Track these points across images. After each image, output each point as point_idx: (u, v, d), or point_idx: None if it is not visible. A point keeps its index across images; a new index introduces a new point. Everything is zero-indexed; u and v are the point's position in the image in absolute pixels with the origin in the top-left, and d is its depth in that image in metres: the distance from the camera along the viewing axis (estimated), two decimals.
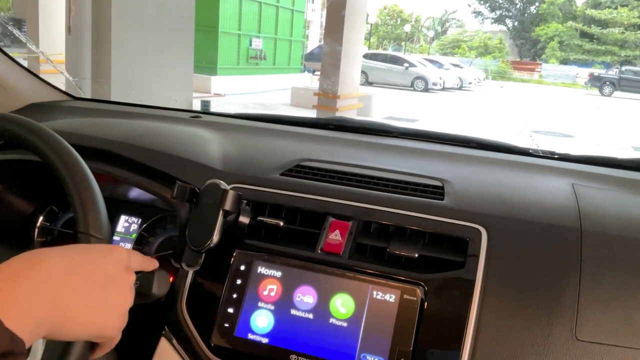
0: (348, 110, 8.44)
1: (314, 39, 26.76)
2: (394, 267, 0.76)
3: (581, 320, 0.68)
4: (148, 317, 0.77)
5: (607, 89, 23.52)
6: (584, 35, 38.22)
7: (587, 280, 0.71)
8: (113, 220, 1.02)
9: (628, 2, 36.90)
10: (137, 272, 0.68)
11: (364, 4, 8.28)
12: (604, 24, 37.24)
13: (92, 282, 0.54)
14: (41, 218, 1.08)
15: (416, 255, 0.77)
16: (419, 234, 0.79)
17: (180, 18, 4.76)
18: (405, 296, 0.72)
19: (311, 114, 6.52)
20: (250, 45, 14.25)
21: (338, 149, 1.15)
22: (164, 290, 0.72)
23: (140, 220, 1.03)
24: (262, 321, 0.75)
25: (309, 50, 21.61)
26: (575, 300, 0.69)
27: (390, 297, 0.73)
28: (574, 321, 0.68)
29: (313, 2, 25.50)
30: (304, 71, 17.44)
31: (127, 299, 0.59)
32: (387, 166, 0.98)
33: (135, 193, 1.02)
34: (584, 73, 29.39)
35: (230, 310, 0.77)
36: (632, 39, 35.77)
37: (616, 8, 36.99)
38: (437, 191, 0.87)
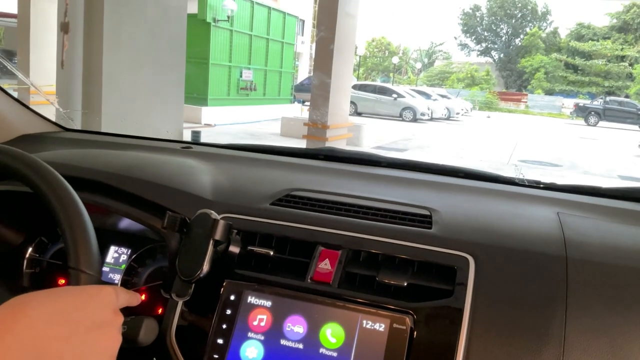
0: (338, 140, 8.50)
1: (304, 70, 27.09)
2: (383, 296, 0.76)
3: (568, 348, 0.69)
4: (137, 348, 0.76)
5: (592, 119, 23.94)
6: (568, 66, 39.08)
7: (573, 308, 0.72)
8: (103, 251, 1.02)
9: (610, 34, 37.88)
10: (125, 315, 0.67)
11: (353, 37, 8.42)
12: (587, 55, 38.15)
13: (78, 329, 0.54)
14: (30, 249, 1.07)
15: (405, 284, 0.77)
16: (407, 263, 0.80)
17: (171, 50, 4.82)
18: (394, 325, 0.73)
19: (301, 143, 6.56)
20: (241, 76, 14.40)
21: (327, 178, 1.16)
22: (151, 338, 0.72)
23: (129, 250, 1.03)
24: (251, 352, 0.75)
25: (298, 81, 21.87)
26: (562, 328, 0.70)
27: (380, 326, 0.73)
28: (562, 349, 0.69)
29: (302, 35, 25.90)
30: (294, 102, 17.61)
31: (115, 342, 0.59)
32: (375, 195, 0.99)
33: (125, 223, 1.02)
34: (569, 103, 29.97)
35: (220, 340, 0.76)
36: (615, 70, 36.62)
37: (598, 40, 37.93)
38: (425, 220, 0.88)
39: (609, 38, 37.97)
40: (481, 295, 0.74)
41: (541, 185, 1.18)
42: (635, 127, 21.99)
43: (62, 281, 1.05)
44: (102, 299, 0.59)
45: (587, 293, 0.73)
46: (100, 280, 0.68)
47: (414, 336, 0.72)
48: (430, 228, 0.85)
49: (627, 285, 0.74)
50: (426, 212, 0.91)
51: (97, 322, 0.56)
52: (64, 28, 4.04)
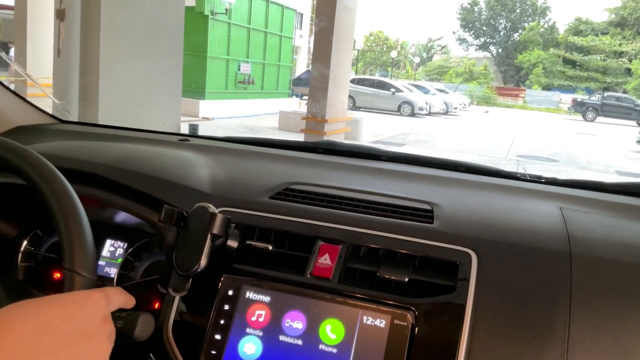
0: (336, 134, 8.49)
1: (302, 64, 27.05)
2: (384, 291, 0.75)
3: (572, 345, 0.68)
4: (133, 343, 0.75)
5: (590, 114, 23.99)
6: (566, 61, 39.10)
7: (577, 304, 0.71)
8: (99, 244, 1.00)
9: (608, 29, 37.90)
10: (121, 311, 0.66)
11: (352, 29, 8.40)
12: (586, 51, 38.17)
13: (67, 341, 0.53)
14: (25, 242, 1.05)
15: (406, 280, 0.76)
16: (408, 258, 0.79)
17: (169, 43, 4.79)
18: (395, 321, 0.71)
19: (299, 137, 6.55)
20: (239, 70, 14.35)
21: (327, 172, 1.15)
22: (147, 333, 0.71)
23: (126, 244, 1.01)
24: (250, 348, 0.74)
25: (297, 75, 21.83)
26: (566, 325, 0.69)
27: (381, 323, 0.72)
28: (565, 346, 0.68)
29: (301, 29, 25.83)
30: (292, 96, 17.58)
31: (105, 350, 0.57)
32: (376, 189, 0.98)
33: (121, 217, 1.00)
34: (567, 98, 30.03)
35: (218, 336, 0.75)
36: (614, 65, 36.64)
37: (597, 35, 37.94)
38: (426, 214, 0.87)
39: (607, 33, 37.97)
40: (484, 291, 0.72)
41: (543, 180, 1.16)
42: (633, 122, 22.02)
43: (57, 275, 1.03)
44: (91, 307, 0.57)
45: (592, 289, 0.72)
46: (95, 282, 0.66)
47: (415, 332, 0.70)
48: (431, 223, 0.84)
49: (632, 282, 0.73)
50: (427, 207, 0.90)
51: (86, 331, 0.55)
52: (59, 15, 4.01)
